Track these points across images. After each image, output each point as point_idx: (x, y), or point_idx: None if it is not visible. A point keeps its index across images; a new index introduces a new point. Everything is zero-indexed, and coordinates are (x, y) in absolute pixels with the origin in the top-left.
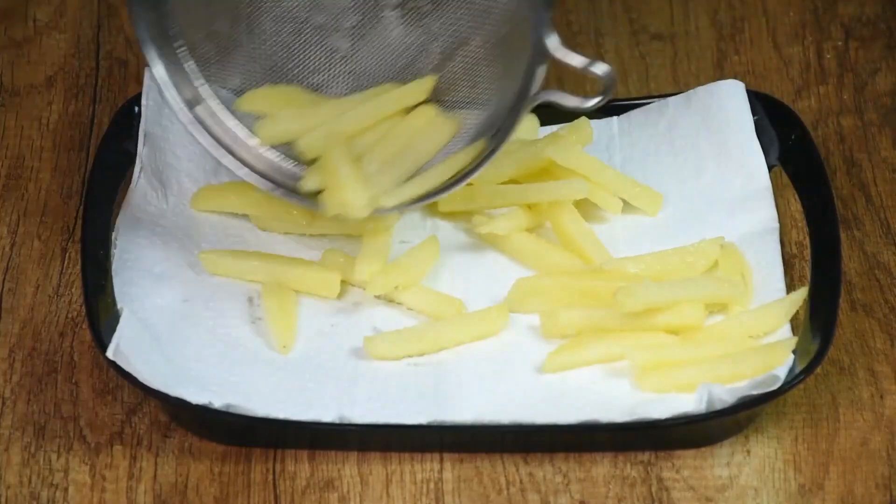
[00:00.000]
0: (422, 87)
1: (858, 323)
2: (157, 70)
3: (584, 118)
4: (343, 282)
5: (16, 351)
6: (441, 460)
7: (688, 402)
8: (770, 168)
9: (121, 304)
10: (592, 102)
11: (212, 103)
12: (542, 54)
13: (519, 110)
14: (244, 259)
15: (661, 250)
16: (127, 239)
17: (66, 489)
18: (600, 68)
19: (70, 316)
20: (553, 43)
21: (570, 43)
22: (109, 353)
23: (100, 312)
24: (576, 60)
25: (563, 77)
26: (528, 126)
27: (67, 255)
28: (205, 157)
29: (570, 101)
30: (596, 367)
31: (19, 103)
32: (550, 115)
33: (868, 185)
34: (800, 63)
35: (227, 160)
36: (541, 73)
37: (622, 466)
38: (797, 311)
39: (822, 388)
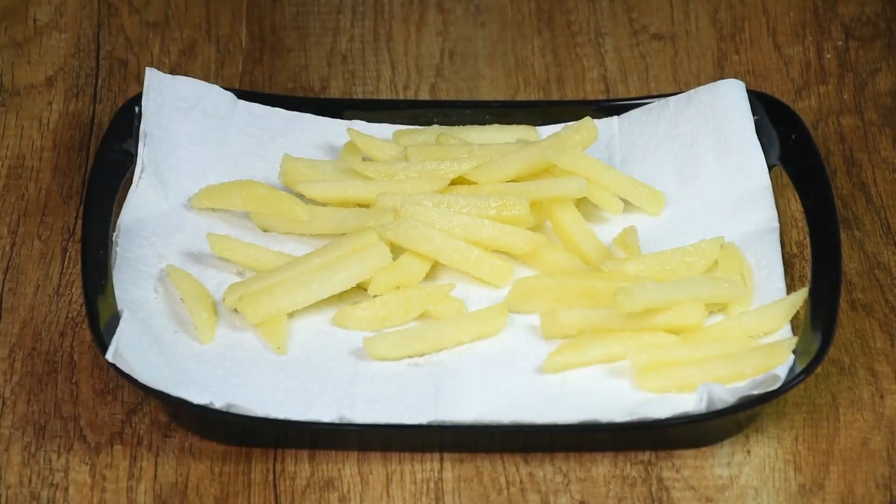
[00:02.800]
0: None
1: (858, 323)
2: None
3: (588, 118)
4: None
5: (16, 351)
6: (441, 460)
7: (688, 402)
8: (770, 168)
9: (121, 304)
10: None
11: None
12: None
13: None
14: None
15: (661, 250)
16: (127, 239)
17: (66, 489)
18: None
19: (70, 316)
20: None
21: (570, 43)
22: (109, 356)
23: (100, 312)
24: None
25: (562, 77)
26: (527, 132)
27: (67, 255)
28: (205, 157)
29: None
30: (596, 367)
31: (19, 103)
32: (551, 114)
33: (868, 185)
34: (800, 63)
35: None
36: None
37: (622, 466)
38: (797, 311)
39: (822, 388)
